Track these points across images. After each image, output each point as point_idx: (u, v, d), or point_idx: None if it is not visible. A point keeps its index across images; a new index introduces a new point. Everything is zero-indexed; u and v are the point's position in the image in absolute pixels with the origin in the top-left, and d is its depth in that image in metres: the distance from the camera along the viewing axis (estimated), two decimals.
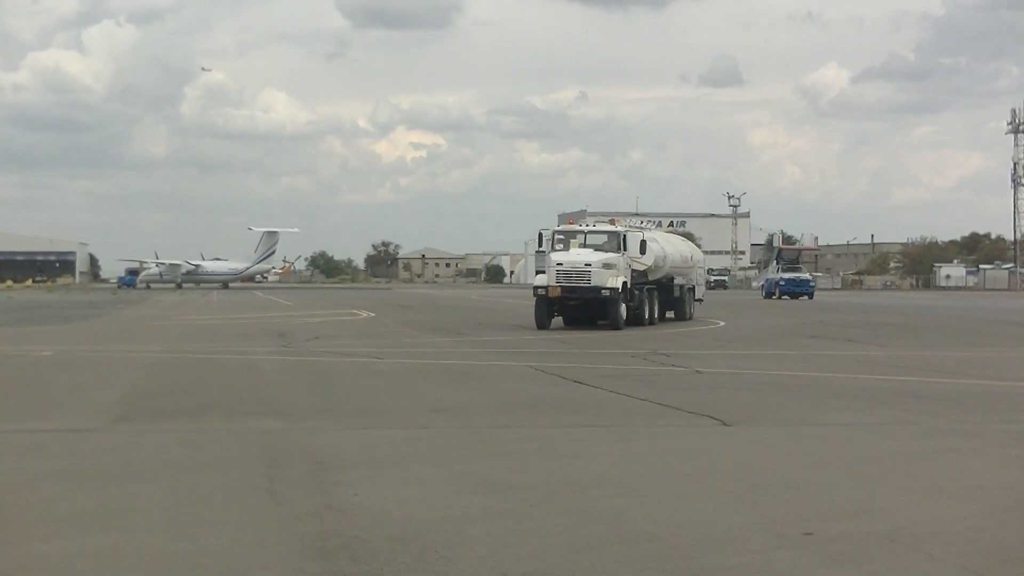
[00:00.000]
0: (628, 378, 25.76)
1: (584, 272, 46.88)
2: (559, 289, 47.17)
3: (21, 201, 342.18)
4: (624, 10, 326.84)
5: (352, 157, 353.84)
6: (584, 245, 48.84)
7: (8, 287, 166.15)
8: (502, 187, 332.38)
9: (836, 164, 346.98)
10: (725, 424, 18.28)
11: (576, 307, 48.13)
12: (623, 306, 47.36)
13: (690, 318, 56.51)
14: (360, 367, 29.02)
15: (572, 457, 15.17)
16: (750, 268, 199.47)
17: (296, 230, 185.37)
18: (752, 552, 10.17)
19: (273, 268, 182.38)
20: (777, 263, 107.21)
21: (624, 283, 47.48)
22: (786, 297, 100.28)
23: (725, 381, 25.42)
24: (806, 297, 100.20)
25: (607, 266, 47.03)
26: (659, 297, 53.41)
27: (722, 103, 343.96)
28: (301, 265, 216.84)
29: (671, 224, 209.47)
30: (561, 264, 47.49)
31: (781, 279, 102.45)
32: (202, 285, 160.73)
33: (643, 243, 49.03)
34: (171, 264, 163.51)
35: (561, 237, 49.48)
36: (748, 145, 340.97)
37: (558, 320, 49.14)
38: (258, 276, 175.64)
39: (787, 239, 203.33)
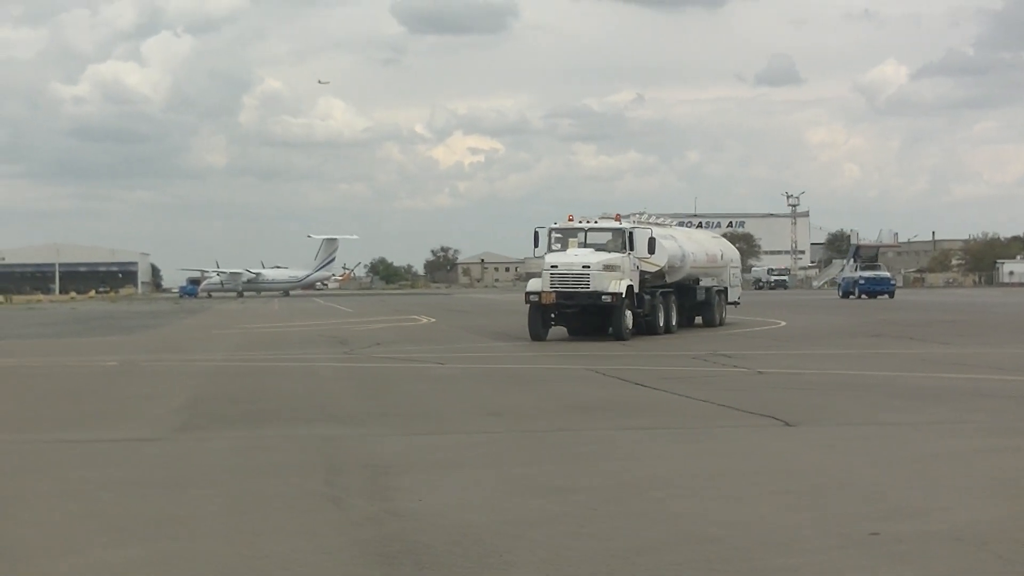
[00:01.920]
0: (688, 379, 25.66)
1: (582, 275, 40.95)
2: (553, 295, 41.18)
3: (82, 212, 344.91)
4: (679, 10, 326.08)
5: (410, 163, 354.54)
6: (584, 244, 42.85)
7: (72, 298, 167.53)
8: (560, 190, 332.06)
9: (895, 161, 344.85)
10: (787, 424, 18.17)
11: (575, 315, 42.32)
12: (628, 314, 41.38)
13: (720, 323, 50.95)
14: (420, 372, 29.06)
15: (632, 459, 15.13)
16: (810, 267, 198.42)
17: (355, 237, 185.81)
18: (815, 553, 10.08)
19: (333, 275, 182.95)
20: (854, 261, 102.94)
21: (629, 287, 41.38)
22: (864, 296, 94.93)
23: (786, 381, 25.27)
24: (886, 296, 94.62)
25: (609, 268, 41.23)
26: (681, 301, 47.47)
27: (779, 102, 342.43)
28: (361, 272, 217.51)
29: (730, 225, 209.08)
30: (556, 266, 41.51)
31: (860, 277, 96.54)
32: (263, 293, 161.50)
33: (652, 241, 42.50)
34: (232, 273, 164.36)
35: (559, 236, 43.58)
36: (806, 144, 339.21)
37: (560, 331, 43.51)
38: (318, 283, 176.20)
39: (847, 237, 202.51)
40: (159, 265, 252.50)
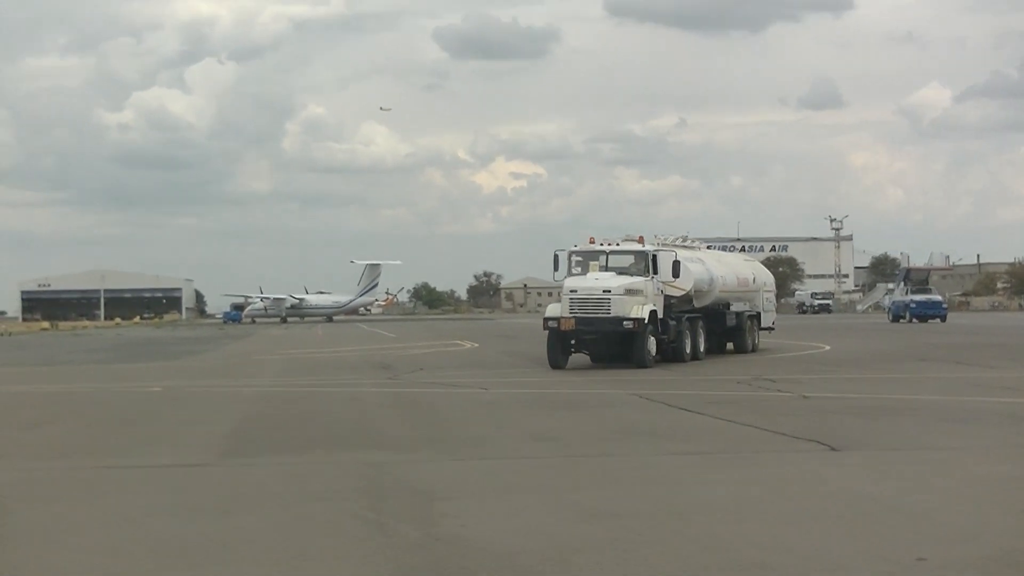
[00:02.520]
0: (733, 404, 25.60)
1: (602, 300, 39.37)
2: (573, 321, 39.52)
3: (127, 239, 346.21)
4: (722, 35, 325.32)
5: (452, 188, 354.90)
6: (606, 268, 40.89)
7: (116, 324, 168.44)
8: (602, 215, 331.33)
9: (939, 184, 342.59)
10: (833, 449, 18.11)
11: (595, 342, 40.54)
12: (651, 340, 39.52)
13: (753, 350, 48.92)
14: (464, 398, 29.07)
15: (678, 484, 15.11)
16: (854, 291, 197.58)
17: (398, 262, 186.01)
18: None
19: (376, 300, 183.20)
20: (905, 284, 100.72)
21: (652, 312, 39.66)
22: (915, 320, 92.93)
23: (832, 406, 25.16)
24: (938, 320, 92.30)
25: (631, 292, 39.50)
26: (711, 327, 45.88)
27: (822, 126, 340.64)
28: (404, 297, 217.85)
29: (773, 249, 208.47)
30: (575, 291, 39.93)
31: (912, 301, 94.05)
32: (306, 319, 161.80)
33: (676, 264, 40.64)
34: (275, 298, 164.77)
35: (579, 259, 41.54)
36: (849, 167, 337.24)
37: (581, 358, 41.69)
38: (361, 309, 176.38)
39: (891, 261, 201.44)
40: (203, 291, 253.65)
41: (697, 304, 44.55)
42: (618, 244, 42.13)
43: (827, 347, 53.08)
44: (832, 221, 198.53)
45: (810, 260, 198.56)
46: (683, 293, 42.39)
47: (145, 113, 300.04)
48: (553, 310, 40.83)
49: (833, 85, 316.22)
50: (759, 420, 22.16)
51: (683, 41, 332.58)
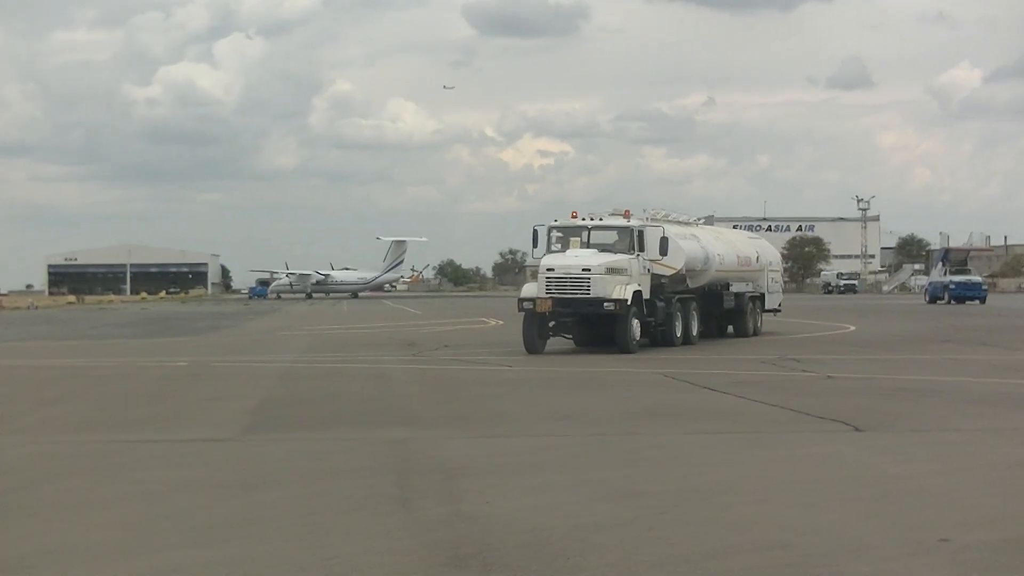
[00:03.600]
0: (758, 384, 25.59)
1: (581, 279, 36.55)
2: (550, 302, 36.60)
3: (154, 214, 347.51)
4: (751, 13, 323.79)
5: (479, 165, 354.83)
6: (587, 244, 38.16)
7: (142, 299, 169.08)
8: (629, 193, 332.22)
9: (967, 165, 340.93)
10: (857, 430, 18.08)
11: (575, 324, 38.35)
12: (635, 323, 36.81)
13: (755, 334, 46.43)
14: (489, 375, 29.10)
15: (701, 464, 15.10)
16: (880, 272, 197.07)
17: (424, 239, 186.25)
18: (886, 560, 10.04)
19: (402, 277, 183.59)
20: (943, 265, 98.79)
21: (637, 293, 36.93)
22: (953, 302, 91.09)
23: (857, 386, 25.12)
24: (977, 302, 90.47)
25: (613, 271, 36.77)
26: (708, 309, 43.60)
27: (851, 106, 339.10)
28: (429, 274, 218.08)
29: (799, 228, 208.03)
30: (552, 269, 37.02)
31: (951, 282, 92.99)
32: (331, 295, 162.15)
33: (664, 240, 37.96)
34: (301, 274, 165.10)
35: (559, 235, 38.73)
36: (877, 148, 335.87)
37: (563, 343, 39.61)
38: (387, 285, 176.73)
39: (918, 242, 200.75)
40: (229, 266, 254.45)
41: (692, 284, 42.27)
42: (601, 219, 39.25)
43: (852, 328, 52.99)
44: (859, 201, 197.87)
45: (836, 240, 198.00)
46: (673, 272, 39.79)
47: (173, 88, 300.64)
48: (529, 290, 38.08)
49: (862, 65, 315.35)
50: (784, 400, 22.14)
51: (712, 19, 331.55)
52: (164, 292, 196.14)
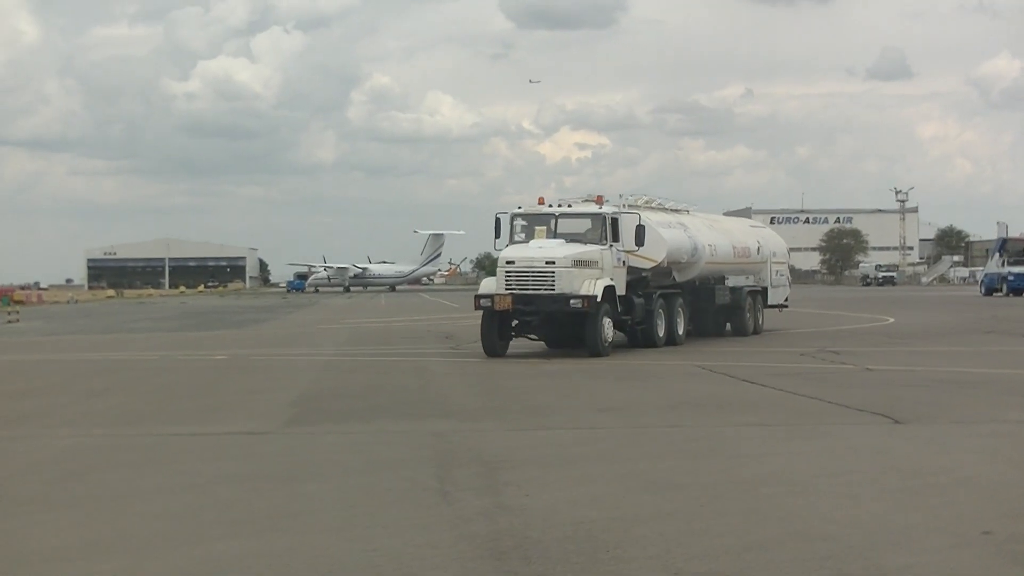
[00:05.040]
0: (797, 376, 25.53)
1: (545, 273, 32.47)
2: (509, 299, 32.51)
3: (193, 208, 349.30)
4: (790, 4, 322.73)
5: (517, 158, 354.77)
6: (554, 234, 34.08)
7: (181, 292, 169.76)
8: (667, 186, 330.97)
9: (1008, 156, 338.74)
10: (897, 422, 18.03)
11: (541, 324, 33.90)
12: (607, 322, 32.75)
13: (755, 332, 42.30)
14: (527, 367, 29.12)
15: (742, 456, 15.09)
16: (919, 264, 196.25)
17: (462, 232, 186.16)
18: (929, 551, 10.02)
19: (439, 270, 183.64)
20: (1000, 255, 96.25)
21: (609, 288, 33.00)
22: (1011, 295, 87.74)
23: (896, 378, 25.04)
24: None
25: (581, 264, 32.78)
26: (700, 305, 39.82)
27: (890, 96, 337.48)
28: (467, 267, 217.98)
29: (837, 220, 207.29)
30: (512, 262, 33.00)
31: (1009, 273, 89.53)
32: (369, 288, 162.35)
33: (640, 229, 33.95)
34: (339, 268, 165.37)
35: (524, 224, 34.68)
36: (917, 139, 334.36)
37: (529, 344, 35.82)
38: (424, 278, 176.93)
39: (957, 233, 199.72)
40: (267, 260, 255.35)
41: (679, 278, 38.39)
42: (570, 205, 35.17)
43: (891, 319, 52.76)
44: (898, 193, 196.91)
45: (875, 232, 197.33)
46: (654, 265, 35.67)
47: (212, 82, 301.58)
48: (487, 286, 34.13)
49: (902, 55, 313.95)
50: (823, 392, 22.09)
51: (751, 11, 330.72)
52: (202, 286, 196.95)
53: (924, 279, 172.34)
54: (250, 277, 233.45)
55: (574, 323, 32.89)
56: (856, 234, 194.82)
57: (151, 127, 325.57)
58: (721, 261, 40.47)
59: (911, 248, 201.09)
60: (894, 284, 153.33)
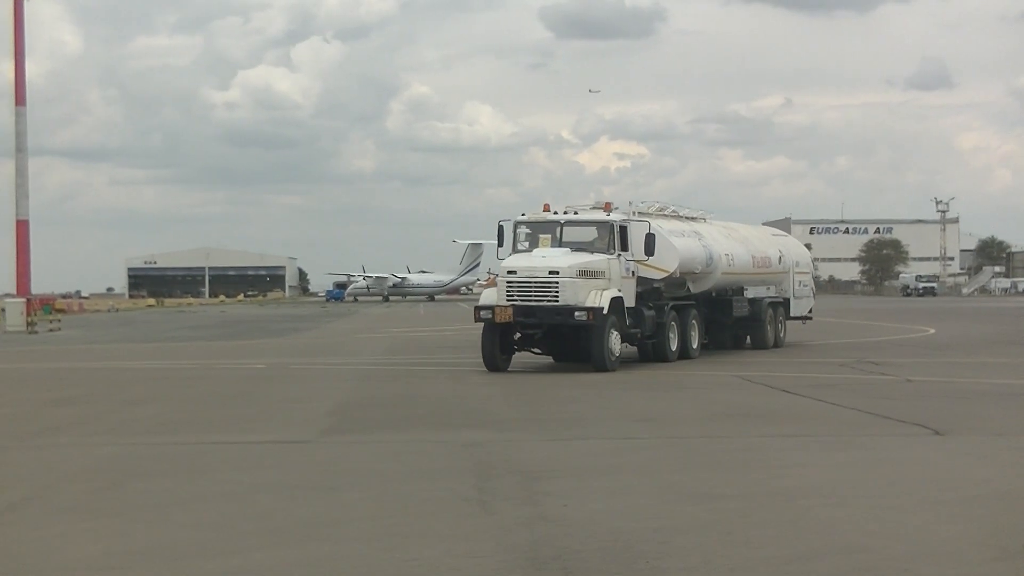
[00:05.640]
0: (836, 387, 25.43)
1: (548, 284, 30.91)
2: (511, 311, 30.92)
3: (232, 217, 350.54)
4: (828, 15, 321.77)
5: (556, 168, 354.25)
6: (560, 243, 32.43)
7: (221, 301, 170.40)
8: (706, 196, 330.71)
9: None
10: (937, 433, 17.94)
11: (545, 337, 32.35)
12: (614, 336, 31.17)
13: (776, 345, 40.48)
14: (565, 378, 29.08)
15: (781, 467, 15.03)
16: (960, 274, 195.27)
17: None
18: (970, 564, 9.96)
19: (478, 280, 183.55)
20: None
21: (617, 299, 31.34)
22: None
23: (937, 390, 24.92)
24: None
25: (587, 274, 31.15)
26: (716, 317, 38.24)
27: (930, 107, 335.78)
28: None
29: (877, 231, 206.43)
30: (515, 272, 31.48)
31: None
32: (408, 298, 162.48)
33: (650, 238, 32.19)
34: (378, 277, 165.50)
35: (527, 232, 33.10)
36: (957, 149, 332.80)
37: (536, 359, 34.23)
38: (463, 288, 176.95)
39: (998, 244, 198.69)
40: (306, 269, 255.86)
41: (694, 289, 36.53)
42: (576, 212, 33.34)
43: (932, 330, 52.48)
44: (938, 203, 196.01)
45: (915, 242, 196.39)
46: (666, 275, 33.82)
47: (251, 92, 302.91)
48: (488, 297, 32.64)
49: (942, 66, 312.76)
50: (862, 403, 22.00)
51: (790, 21, 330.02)
52: (242, 295, 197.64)
53: (965, 290, 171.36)
54: (289, 286, 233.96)
55: (579, 336, 31.48)
56: (896, 244, 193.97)
57: (191, 136, 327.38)
58: (739, 271, 38.63)
59: (952, 259, 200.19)
60: (934, 295, 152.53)
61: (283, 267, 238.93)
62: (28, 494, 13.97)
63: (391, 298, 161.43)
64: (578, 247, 32.18)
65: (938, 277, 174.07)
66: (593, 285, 31.05)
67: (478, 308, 31.97)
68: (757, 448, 16.77)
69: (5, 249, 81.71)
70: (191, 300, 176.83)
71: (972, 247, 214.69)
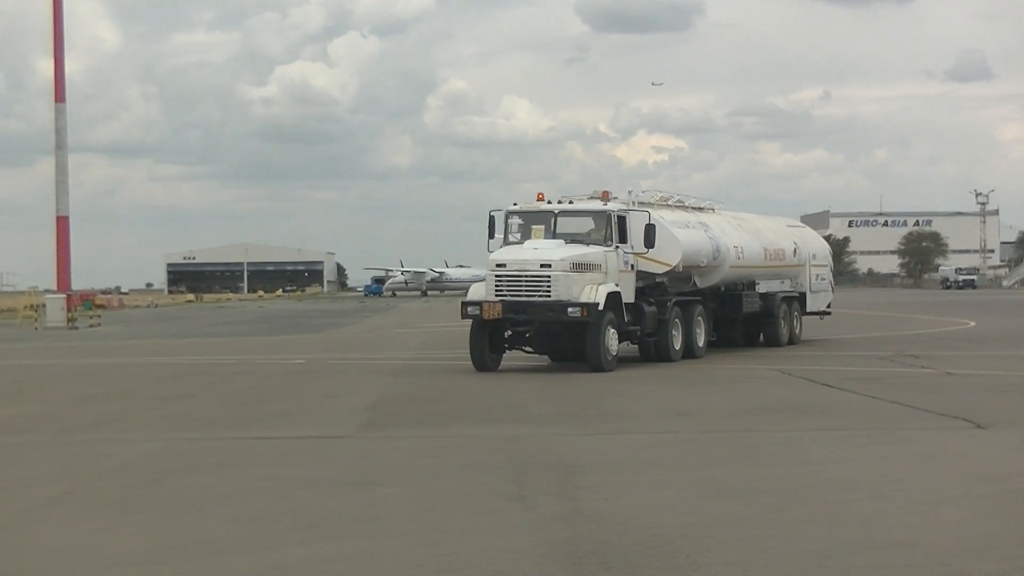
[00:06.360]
0: (875, 380, 25.31)
1: (539, 278, 28.89)
2: (499, 306, 28.90)
3: (270, 213, 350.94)
4: (867, 7, 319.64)
5: (593, 162, 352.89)
6: (553, 234, 30.37)
7: (259, 296, 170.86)
8: (744, 189, 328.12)
9: None
10: (979, 427, 17.82)
11: (534, 336, 30.26)
12: (611, 333, 29.14)
13: (791, 342, 38.43)
14: (600, 373, 28.99)
15: (819, 461, 14.97)
16: (1000, 267, 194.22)
17: None
18: (1011, 559, 9.89)
19: None
20: None
21: (614, 294, 29.27)
22: None
23: (978, 383, 24.76)
24: None
25: (581, 267, 29.13)
26: (725, 313, 36.13)
27: (969, 98, 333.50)
28: None
29: (916, 223, 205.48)
30: (504, 265, 29.50)
31: None
32: (446, 292, 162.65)
33: (650, 229, 30.21)
34: (416, 272, 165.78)
35: (520, 222, 31.05)
36: (996, 141, 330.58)
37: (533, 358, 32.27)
38: None
39: None
40: (344, 264, 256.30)
41: (701, 283, 34.42)
42: (571, 202, 31.48)
43: (972, 323, 52.15)
44: (978, 195, 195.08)
45: (955, 235, 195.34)
46: (668, 268, 31.90)
47: (288, 87, 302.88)
48: (476, 292, 30.41)
49: (982, 57, 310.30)
50: (902, 396, 21.89)
51: (828, 13, 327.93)
52: (280, 290, 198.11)
53: (1005, 282, 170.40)
54: (328, 281, 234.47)
55: (573, 334, 29.45)
56: (935, 237, 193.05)
57: (229, 132, 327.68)
58: (749, 264, 36.67)
59: (992, 251, 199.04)
60: (974, 287, 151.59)
61: (321, 262, 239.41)
62: (68, 489, 14.04)
63: (429, 293, 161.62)
64: (573, 239, 30.27)
65: (978, 270, 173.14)
66: (588, 279, 29.07)
67: (465, 304, 30.03)
68: (795, 442, 16.71)
69: (46, 245, 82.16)
70: (230, 295, 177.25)
71: (1012, 239, 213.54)
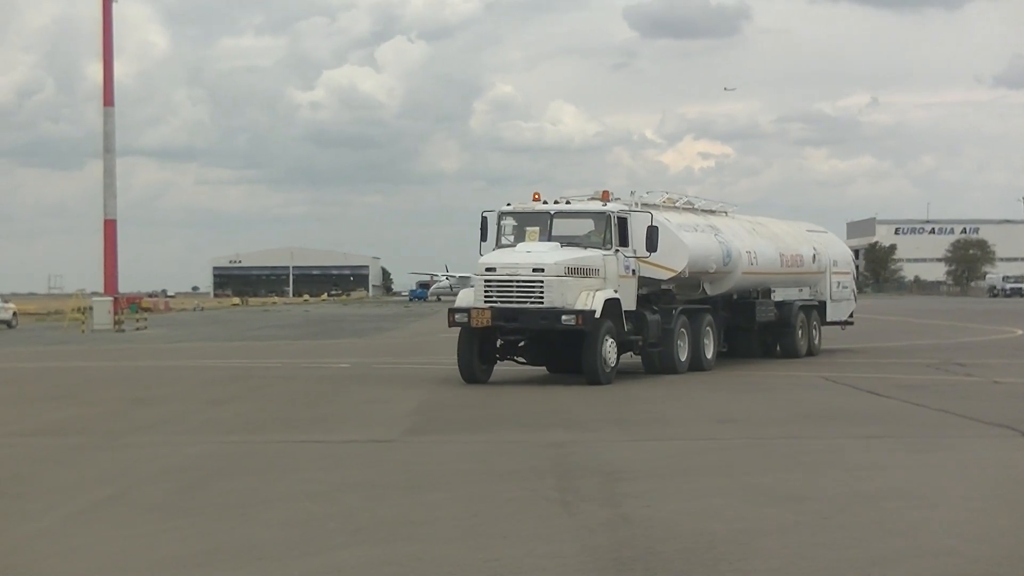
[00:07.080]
0: (922, 388, 25.21)
1: (532, 284, 26.86)
2: (489, 313, 27.02)
3: (316, 217, 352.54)
4: (916, 12, 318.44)
5: (639, 168, 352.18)
6: (550, 236, 28.40)
7: (305, 300, 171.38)
8: (790, 196, 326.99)
9: None
10: None
11: (526, 346, 28.73)
12: (609, 343, 27.19)
13: (810, 353, 36.66)
14: (646, 378, 28.98)
15: (865, 469, 14.94)
16: None
17: None
18: None
19: None
20: None
21: (613, 301, 27.36)
22: None
23: None
24: None
25: (576, 272, 27.10)
26: (737, 322, 34.36)
27: (1019, 104, 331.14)
28: None
29: (963, 231, 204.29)
30: (493, 269, 27.55)
31: None
32: None
33: (652, 231, 28.18)
34: (461, 277, 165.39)
35: (513, 224, 29.12)
36: None
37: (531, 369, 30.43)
38: None
39: None
40: (389, 268, 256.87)
41: (711, 290, 32.60)
42: (568, 202, 29.43)
43: (1020, 332, 51.88)
44: None
45: (1002, 242, 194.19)
46: (673, 274, 29.91)
47: (336, 92, 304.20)
48: (464, 298, 28.64)
49: None
50: (948, 404, 21.81)
51: (876, 19, 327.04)
52: (326, 294, 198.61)
53: None
54: (373, 286, 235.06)
55: (568, 344, 27.58)
56: (983, 244, 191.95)
57: (276, 137, 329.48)
58: (764, 271, 34.66)
59: None
60: (1022, 296, 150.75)
61: (367, 266, 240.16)
62: (114, 492, 14.13)
63: None
64: (570, 241, 28.26)
65: None
66: (584, 285, 27.07)
67: (452, 311, 28.02)
68: (840, 449, 16.67)
69: (93, 248, 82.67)
70: (275, 299, 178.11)
71: None
